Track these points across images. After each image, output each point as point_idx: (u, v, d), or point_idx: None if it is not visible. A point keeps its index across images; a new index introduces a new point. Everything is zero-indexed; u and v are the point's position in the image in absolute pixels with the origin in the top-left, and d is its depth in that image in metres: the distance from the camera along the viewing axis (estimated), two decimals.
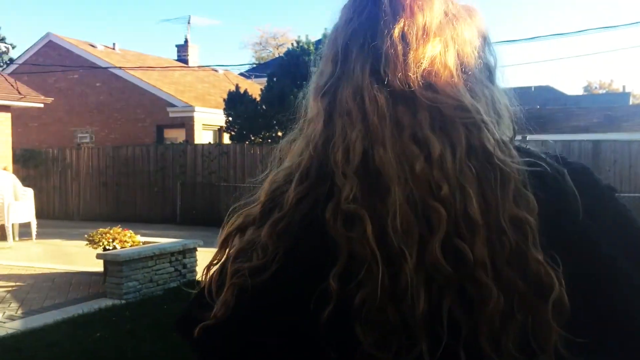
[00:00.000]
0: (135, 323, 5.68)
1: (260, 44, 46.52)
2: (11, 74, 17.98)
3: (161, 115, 16.78)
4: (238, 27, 75.57)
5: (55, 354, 4.82)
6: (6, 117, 12.12)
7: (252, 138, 14.10)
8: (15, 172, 14.48)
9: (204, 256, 8.98)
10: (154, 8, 70.96)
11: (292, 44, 15.50)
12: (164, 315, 5.88)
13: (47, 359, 4.73)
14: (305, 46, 14.45)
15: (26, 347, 4.98)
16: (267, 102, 13.79)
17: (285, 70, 13.85)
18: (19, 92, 12.03)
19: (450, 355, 0.69)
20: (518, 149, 0.78)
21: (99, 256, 6.72)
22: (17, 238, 11.29)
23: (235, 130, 14.31)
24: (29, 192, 11.71)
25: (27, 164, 15.69)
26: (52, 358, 4.75)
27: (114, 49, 20.10)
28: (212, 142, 15.69)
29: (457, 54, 0.79)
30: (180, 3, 70.67)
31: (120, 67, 17.20)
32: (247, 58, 47.58)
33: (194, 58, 22.57)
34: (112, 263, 6.51)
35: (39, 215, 14.48)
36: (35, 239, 11.35)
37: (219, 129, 16.89)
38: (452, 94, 0.76)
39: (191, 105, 16.44)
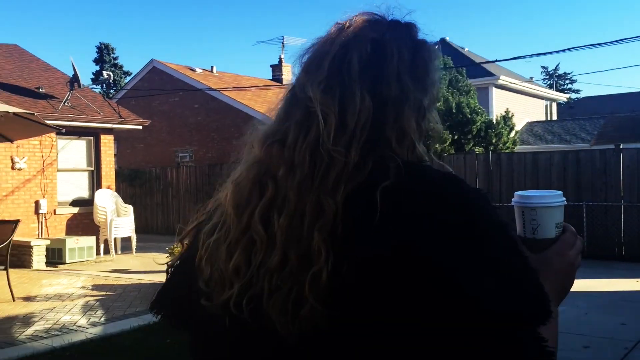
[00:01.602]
0: None
1: None
2: (121, 99, 19.49)
3: None
4: None
5: (125, 358, 5.16)
6: (109, 139, 13.10)
7: None
8: (123, 190, 15.63)
9: None
10: (250, 31, 73.84)
11: None
12: None
13: None
14: None
15: (100, 352, 5.37)
16: None
17: None
18: (120, 116, 12.98)
19: (252, 299, 0.86)
20: (408, 163, 0.85)
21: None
22: (119, 252, 12.13)
23: None
24: (130, 209, 12.56)
25: (133, 182, 16.85)
26: None
27: (211, 71, 21.17)
28: None
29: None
30: (275, 25, 72.89)
31: (215, 89, 18.08)
32: None
33: (287, 77, 23.22)
34: None
35: (144, 230, 15.51)
36: (135, 252, 12.13)
37: None
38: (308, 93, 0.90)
39: None
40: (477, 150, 13.69)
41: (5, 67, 13.74)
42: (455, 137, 13.75)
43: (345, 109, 0.87)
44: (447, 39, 27.43)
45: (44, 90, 12.72)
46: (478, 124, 13.80)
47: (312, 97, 0.89)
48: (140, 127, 13.99)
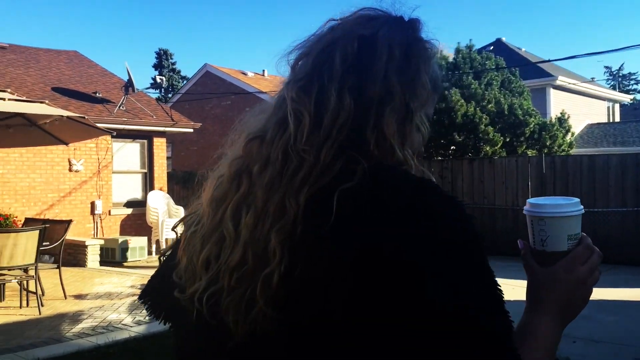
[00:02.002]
0: None
1: None
2: (176, 103, 19.98)
3: None
4: None
5: (163, 356, 5.25)
6: (162, 141, 13.43)
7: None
8: (176, 192, 15.99)
9: None
10: (297, 34, 74.27)
11: None
12: None
13: None
14: (441, 62, 14.20)
15: (142, 350, 5.48)
16: None
17: None
18: (172, 119, 13.29)
19: (213, 295, 0.85)
20: (377, 166, 0.81)
21: None
22: None
23: None
24: (181, 210, 12.81)
25: (186, 184, 17.21)
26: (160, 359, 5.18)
27: (263, 75, 21.41)
28: None
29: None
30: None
31: (266, 92, 18.27)
32: None
33: None
34: None
35: None
36: None
37: None
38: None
39: None
40: (529, 153, 13.29)
41: (66, 72, 14.30)
42: (507, 139, 13.39)
43: (322, 108, 0.84)
44: (504, 39, 26.81)
45: (100, 95, 13.17)
46: (531, 126, 13.38)
47: (287, 95, 0.88)
48: (192, 130, 14.29)
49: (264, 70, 21.64)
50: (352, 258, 0.75)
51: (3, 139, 8.14)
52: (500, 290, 0.77)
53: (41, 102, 7.41)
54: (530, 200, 0.94)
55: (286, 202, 0.80)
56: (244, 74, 20.53)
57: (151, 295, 1.07)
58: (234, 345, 0.84)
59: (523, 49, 27.99)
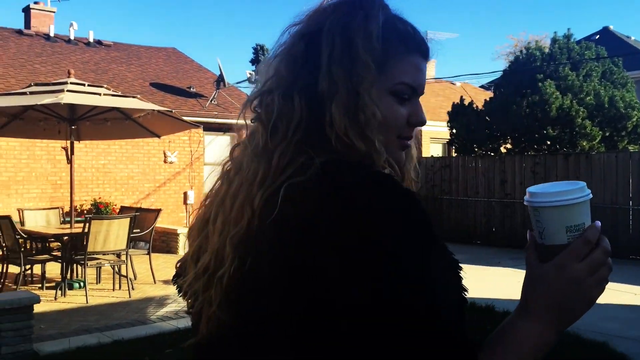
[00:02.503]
0: None
1: (514, 53, 44.68)
2: None
3: None
4: (485, 38, 73.50)
5: None
6: None
7: (476, 150, 13.76)
8: None
9: None
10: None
11: (520, 51, 14.73)
12: None
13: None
14: (536, 53, 13.61)
15: (177, 343, 5.64)
16: (490, 113, 13.33)
17: (509, 79, 13.24)
18: None
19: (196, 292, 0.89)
20: (327, 162, 0.81)
21: None
22: None
23: (458, 142, 14.12)
24: None
25: None
26: None
27: None
28: (434, 156, 15.71)
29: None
30: (420, 20, 71.60)
31: None
32: (499, 68, 46.24)
33: (430, 72, 22.85)
34: None
35: None
36: None
37: (447, 142, 16.83)
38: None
39: None
40: (631, 148, 12.43)
41: (164, 68, 15.03)
42: (607, 134, 12.59)
43: (278, 112, 0.86)
44: (611, 27, 25.21)
45: (194, 90, 13.73)
46: (634, 119, 12.50)
47: (253, 104, 0.91)
48: None
49: None
50: (290, 253, 0.75)
51: (102, 131, 8.70)
52: (434, 283, 0.74)
53: (133, 97, 7.84)
54: (530, 188, 0.85)
55: (244, 208, 0.83)
56: None
57: (178, 278, 1.14)
58: (195, 343, 0.88)
59: (632, 38, 26.18)
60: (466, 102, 14.23)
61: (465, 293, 0.84)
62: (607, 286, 0.82)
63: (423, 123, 0.92)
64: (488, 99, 14.04)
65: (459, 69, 77.82)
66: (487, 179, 12.71)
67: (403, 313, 0.71)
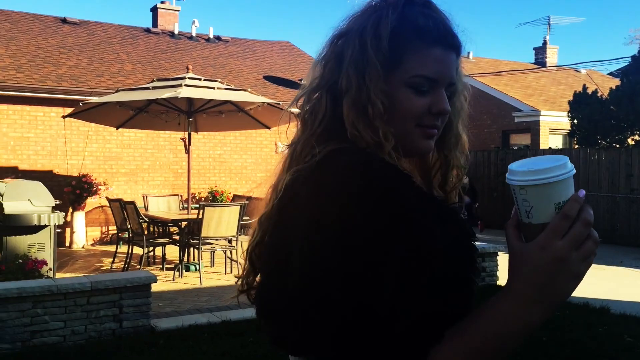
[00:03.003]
0: None
1: None
2: None
3: (507, 121, 16.72)
4: (618, 21, 68.00)
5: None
6: None
7: (600, 142, 12.90)
8: None
9: (505, 260, 8.66)
10: (512, 13, 69.96)
11: None
12: None
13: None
14: None
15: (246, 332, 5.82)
16: (616, 102, 12.43)
17: (639, 66, 12.25)
18: None
19: None
20: (332, 150, 0.93)
21: None
22: None
23: (580, 133, 13.30)
24: None
25: None
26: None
27: (468, 57, 20.80)
28: (552, 147, 14.90)
29: None
30: (540, 4, 67.78)
31: (468, 75, 17.73)
32: (632, 54, 42.54)
33: (552, 60, 21.65)
34: None
35: None
36: None
37: (568, 133, 15.91)
38: None
39: (537, 110, 15.92)
40: None
41: (277, 62, 15.49)
42: None
43: (310, 108, 0.99)
44: None
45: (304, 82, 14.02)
46: None
47: (298, 102, 1.04)
48: None
49: (469, 53, 20.98)
50: (286, 232, 0.89)
51: (217, 123, 9.17)
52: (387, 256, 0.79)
53: (244, 90, 8.18)
54: (511, 165, 0.82)
55: (272, 192, 0.97)
56: None
57: None
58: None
59: None
60: (589, 91, 13.38)
61: (473, 272, 0.89)
62: None
63: (443, 111, 0.96)
64: (614, 87, 13.09)
65: (586, 56, 72.79)
66: (611, 172, 11.90)
67: (342, 279, 0.80)
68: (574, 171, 0.80)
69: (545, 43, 21.81)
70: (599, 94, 13.18)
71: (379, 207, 0.80)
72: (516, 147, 15.73)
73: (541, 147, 15.05)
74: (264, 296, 0.93)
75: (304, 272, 0.83)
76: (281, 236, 0.90)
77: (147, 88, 7.74)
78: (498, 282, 7.34)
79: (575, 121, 13.47)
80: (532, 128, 16.18)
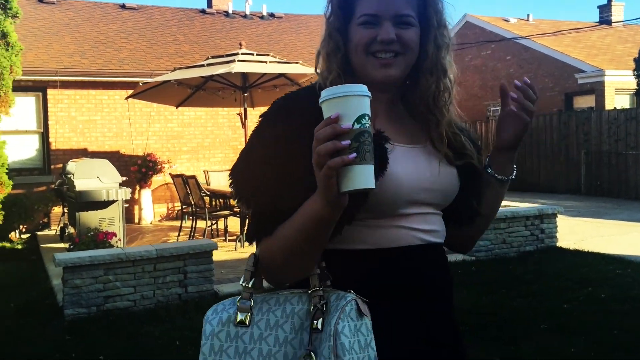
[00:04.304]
0: (476, 278, 6.03)
1: None
2: None
3: (569, 83, 16.14)
4: None
5: None
6: None
7: None
8: None
9: (568, 224, 8.50)
10: None
11: None
12: (501, 274, 6.06)
13: None
14: None
15: None
16: None
17: None
18: None
19: None
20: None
21: None
22: None
23: None
24: None
25: None
26: None
27: (527, 20, 20.13)
28: (617, 108, 14.29)
29: None
30: None
31: (526, 37, 17.21)
32: None
33: (618, 17, 20.62)
34: None
35: None
36: None
37: (634, 92, 15.20)
38: None
39: (601, 69, 15.27)
40: None
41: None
42: None
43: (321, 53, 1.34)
44: None
45: None
46: None
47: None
48: None
49: (528, 15, 20.33)
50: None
51: (272, 98, 9.23)
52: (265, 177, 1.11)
53: (296, 63, 8.29)
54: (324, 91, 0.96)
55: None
56: (506, 20, 19.57)
57: None
58: None
59: None
60: None
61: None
62: None
63: (386, 39, 1.14)
64: None
65: None
66: None
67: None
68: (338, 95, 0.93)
69: (610, 0, 20.79)
70: None
71: (253, 132, 1.18)
72: (580, 110, 15.18)
73: (606, 108, 14.47)
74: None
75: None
76: None
77: (202, 65, 7.97)
78: (558, 244, 7.22)
79: None
80: (597, 89, 15.55)
